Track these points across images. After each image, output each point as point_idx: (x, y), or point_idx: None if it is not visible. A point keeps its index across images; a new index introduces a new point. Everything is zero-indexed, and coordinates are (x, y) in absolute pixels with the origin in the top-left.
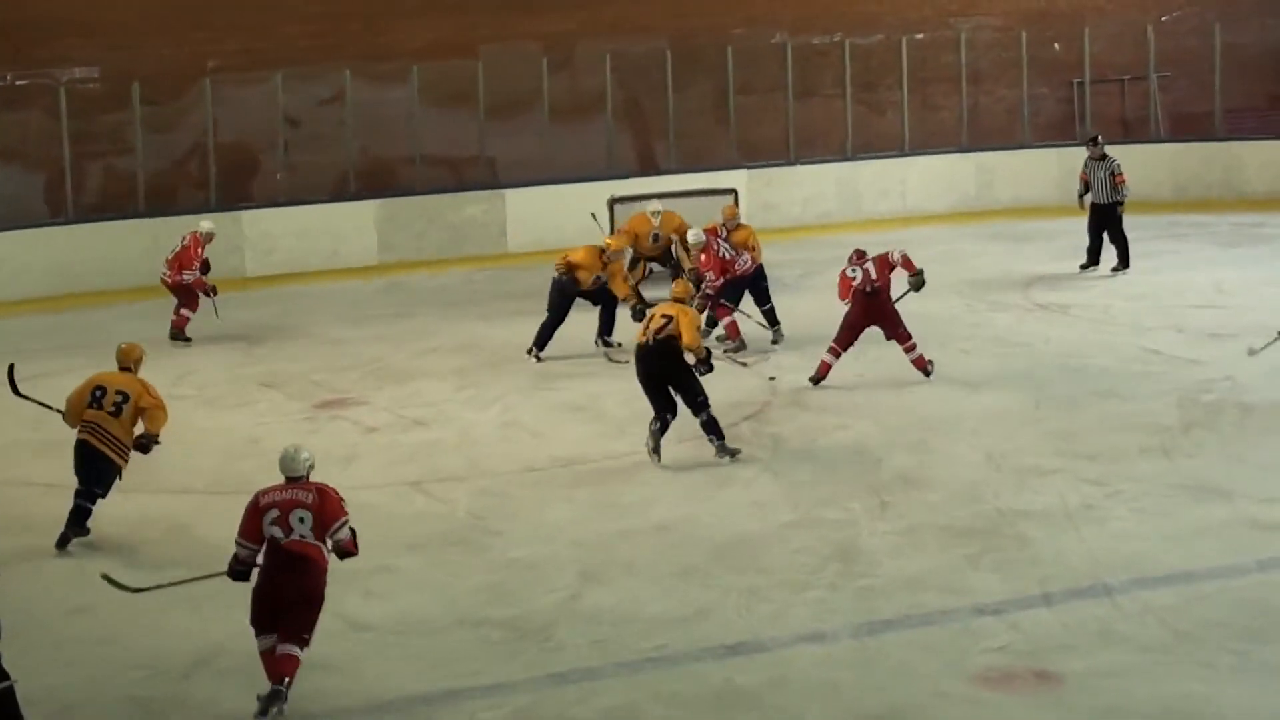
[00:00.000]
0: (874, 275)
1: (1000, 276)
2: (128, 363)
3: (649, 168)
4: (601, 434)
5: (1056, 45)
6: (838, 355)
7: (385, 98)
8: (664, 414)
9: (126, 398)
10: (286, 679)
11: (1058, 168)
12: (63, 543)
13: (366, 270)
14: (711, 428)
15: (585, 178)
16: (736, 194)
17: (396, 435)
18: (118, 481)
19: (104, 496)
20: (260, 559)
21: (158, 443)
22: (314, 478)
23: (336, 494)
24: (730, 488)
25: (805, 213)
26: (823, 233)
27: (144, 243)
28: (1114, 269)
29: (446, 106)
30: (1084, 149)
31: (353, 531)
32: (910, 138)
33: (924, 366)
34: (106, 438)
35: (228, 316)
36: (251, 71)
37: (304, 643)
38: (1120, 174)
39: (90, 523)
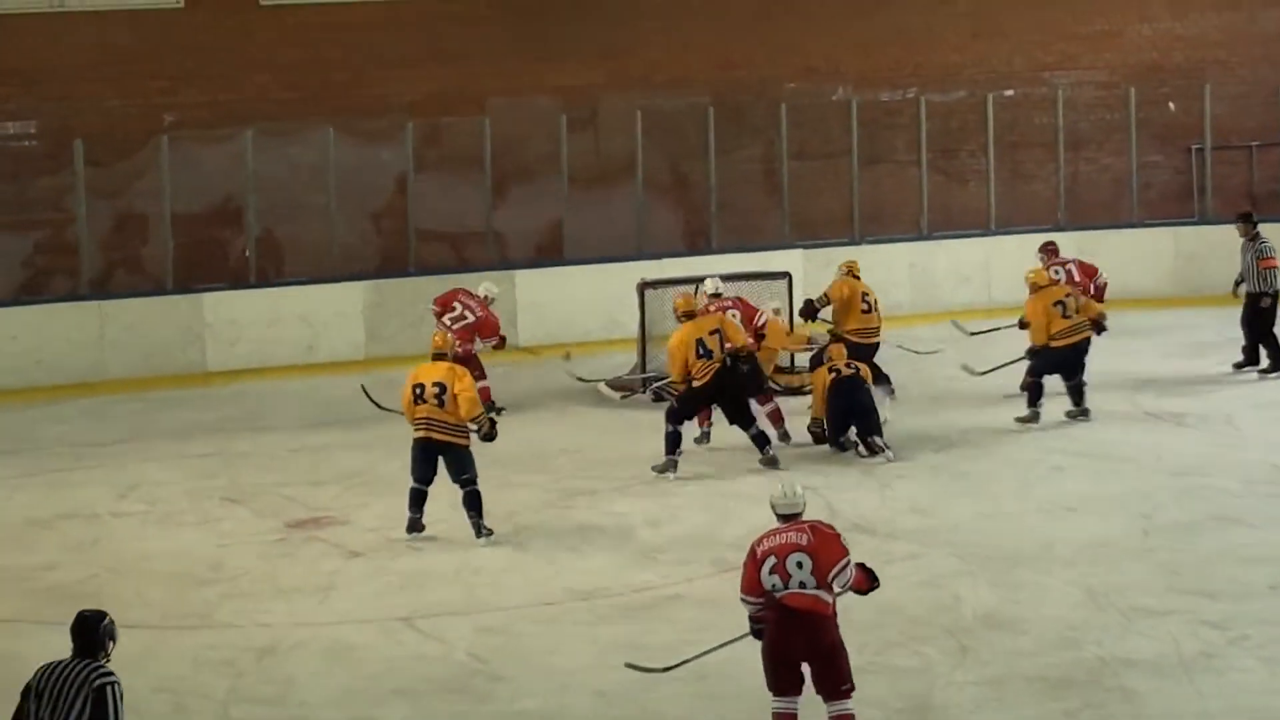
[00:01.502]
0: (1075, 278)
1: (1103, 379)
2: (443, 350)
3: (687, 246)
4: (627, 562)
5: (1171, 105)
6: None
7: (374, 160)
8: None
9: (444, 388)
10: None
11: (1172, 249)
12: (414, 528)
13: (350, 365)
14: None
15: (610, 257)
16: (790, 278)
17: (384, 561)
18: None
19: (474, 482)
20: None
21: (491, 426)
22: (287, 610)
23: (832, 530)
24: None
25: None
26: (890, 325)
27: (86, 329)
28: (1262, 371)
29: (447, 171)
30: (1200, 227)
31: (864, 570)
32: (997, 213)
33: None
34: (442, 427)
35: (182, 419)
36: (216, 128)
37: (848, 694)
38: (1270, 257)
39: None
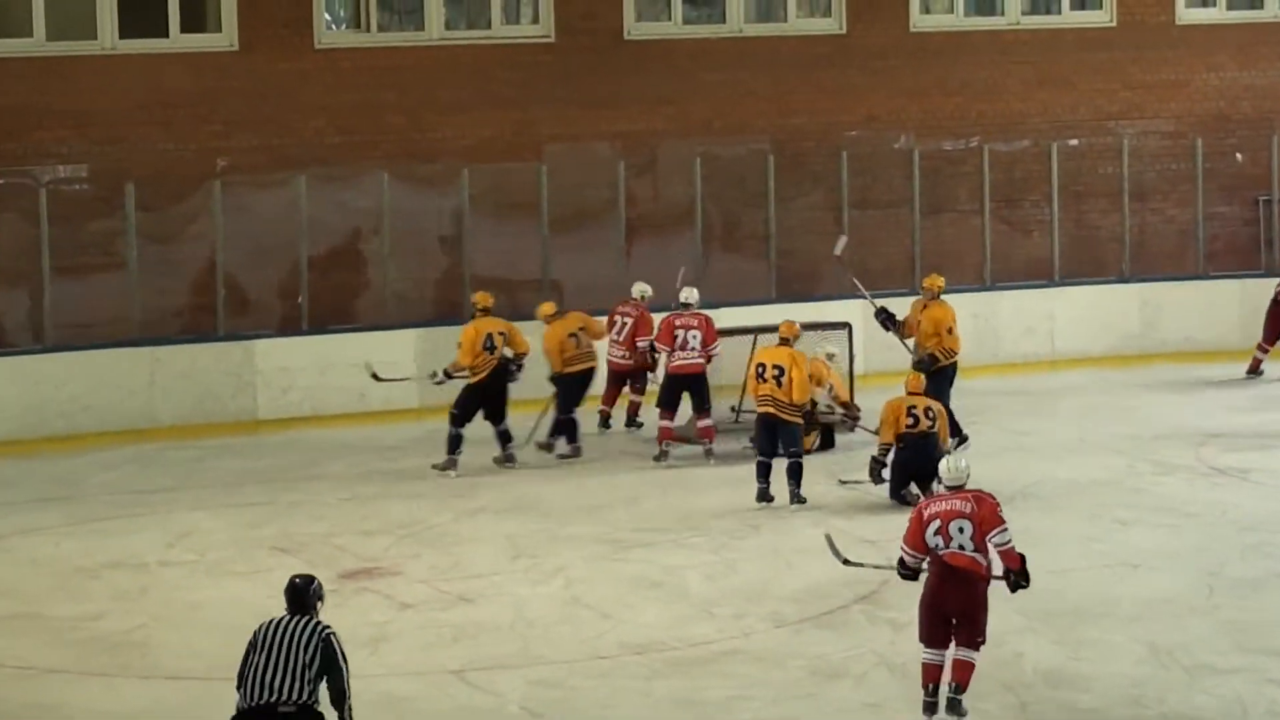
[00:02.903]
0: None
1: (1168, 433)
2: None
3: (745, 295)
4: (682, 615)
5: (1239, 155)
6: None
7: (429, 206)
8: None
9: (783, 370)
10: (959, 684)
11: (1239, 302)
12: (763, 498)
13: (403, 413)
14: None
15: (668, 305)
16: (850, 329)
17: (435, 612)
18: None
19: (801, 455)
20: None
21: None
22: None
23: (994, 501)
24: (839, 683)
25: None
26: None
27: (137, 375)
28: None
29: (502, 217)
30: (1269, 279)
31: (1022, 558)
32: (1061, 264)
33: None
34: (779, 405)
35: (232, 467)
36: (269, 172)
37: (978, 646)
38: None
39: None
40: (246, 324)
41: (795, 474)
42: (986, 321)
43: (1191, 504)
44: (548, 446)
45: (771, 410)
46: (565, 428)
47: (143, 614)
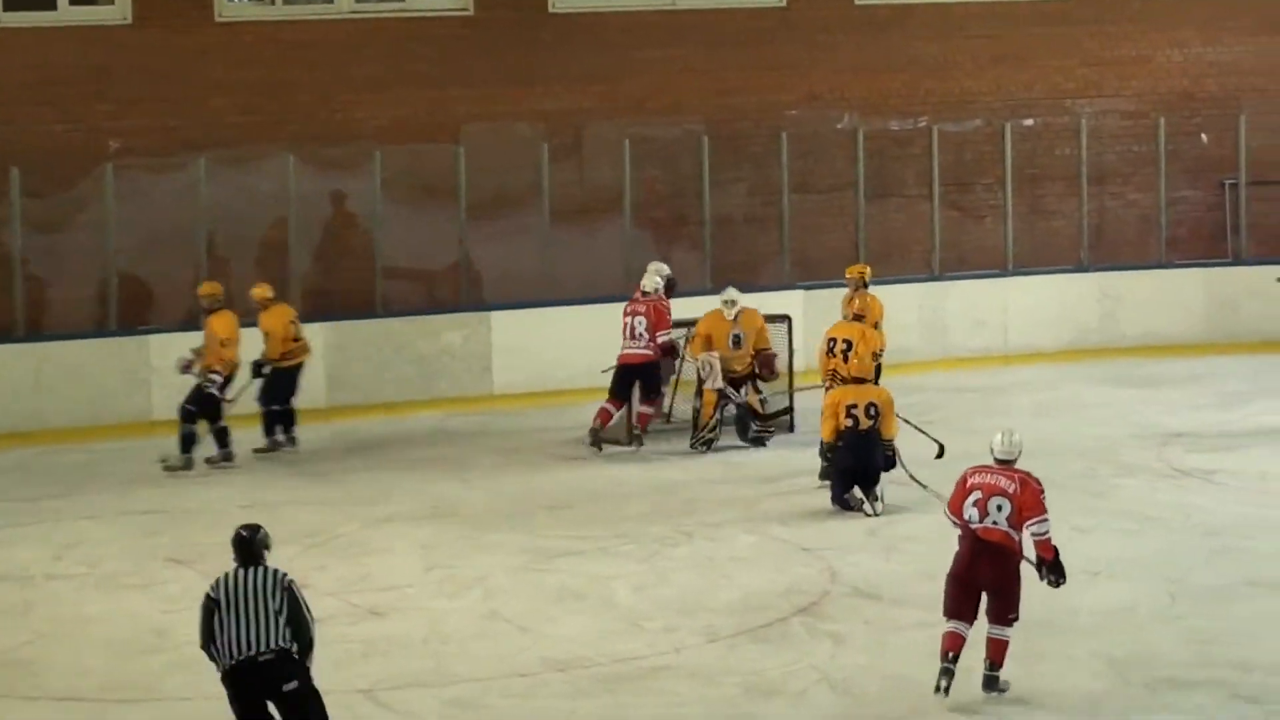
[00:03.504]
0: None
1: (1129, 432)
2: None
3: (679, 286)
4: (609, 629)
5: (1204, 136)
6: None
7: (339, 190)
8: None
9: (850, 344)
10: (994, 662)
11: (1204, 292)
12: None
13: (309, 414)
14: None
15: (594, 298)
16: (790, 322)
17: (344, 628)
18: None
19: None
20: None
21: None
22: None
23: (1039, 486)
24: (776, 701)
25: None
26: (899, 373)
27: (22, 374)
28: None
29: (418, 203)
30: (1234, 268)
31: (1055, 551)
32: (1015, 252)
33: None
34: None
35: (125, 471)
36: (166, 155)
37: (1011, 623)
38: None
39: None
40: (141, 318)
41: None
42: (935, 313)
43: (1153, 507)
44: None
45: (837, 386)
46: (283, 419)
47: (28, 631)
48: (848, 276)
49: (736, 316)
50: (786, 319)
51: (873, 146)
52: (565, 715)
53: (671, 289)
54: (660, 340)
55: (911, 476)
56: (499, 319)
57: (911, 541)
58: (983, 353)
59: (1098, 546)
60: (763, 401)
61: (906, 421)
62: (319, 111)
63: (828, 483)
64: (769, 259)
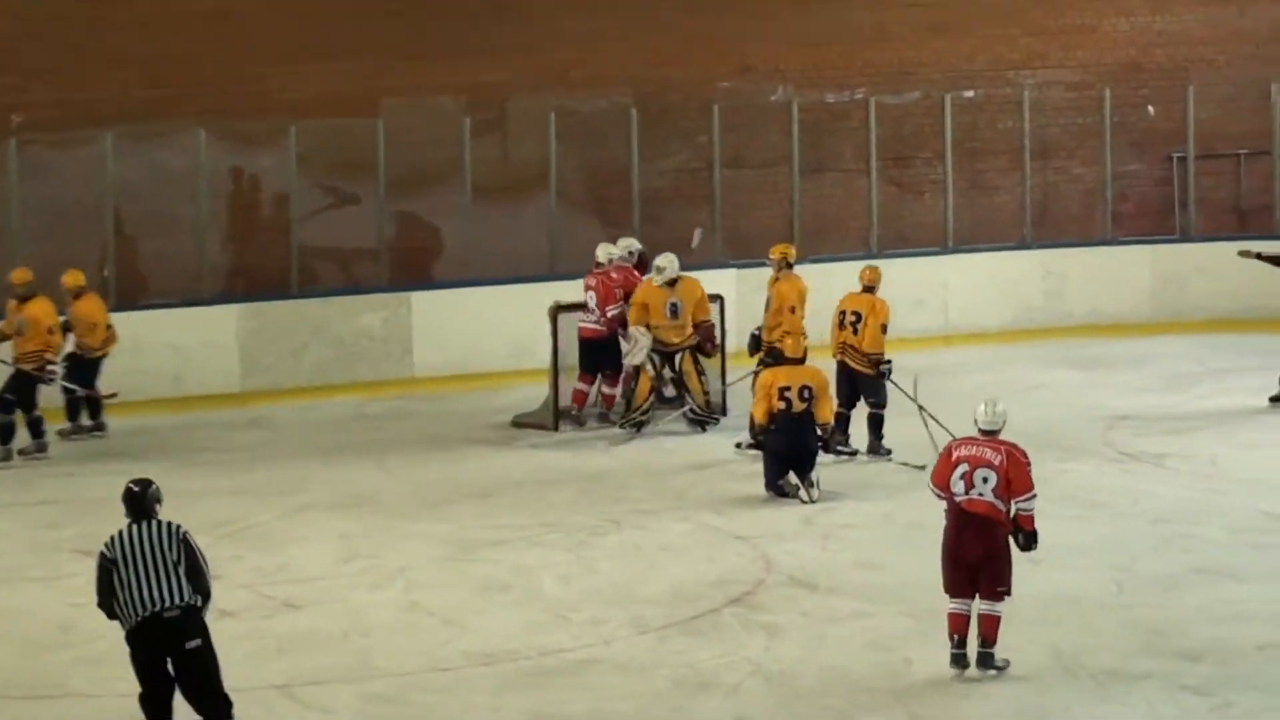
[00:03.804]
0: None
1: (1074, 415)
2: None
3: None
4: (535, 621)
5: (1151, 109)
6: None
7: (253, 166)
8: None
9: (860, 316)
10: (987, 639)
11: (1151, 270)
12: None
13: (223, 399)
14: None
15: (519, 277)
16: (723, 301)
17: (258, 621)
18: None
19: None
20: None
21: None
22: None
23: (1025, 460)
24: (708, 696)
25: (813, 328)
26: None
27: None
28: None
29: (336, 179)
30: (1182, 245)
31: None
32: (955, 229)
33: None
34: (855, 355)
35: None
36: (70, 130)
37: (1001, 597)
38: None
39: None
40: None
41: (875, 425)
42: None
43: (1099, 493)
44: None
45: (846, 359)
46: (92, 409)
47: None
48: (771, 258)
49: (674, 285)
50: (719, 299)
51: (808, 120)
52: (490, 711)
53: (643, 264)
54: (610, 314)
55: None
56: (420, 300)
57: (849, 529)
58: (922, 333)
59: (1042, 533)
60: (703, 377)
61: (921, 409)
62: (231, 84)
63: (746, 451)
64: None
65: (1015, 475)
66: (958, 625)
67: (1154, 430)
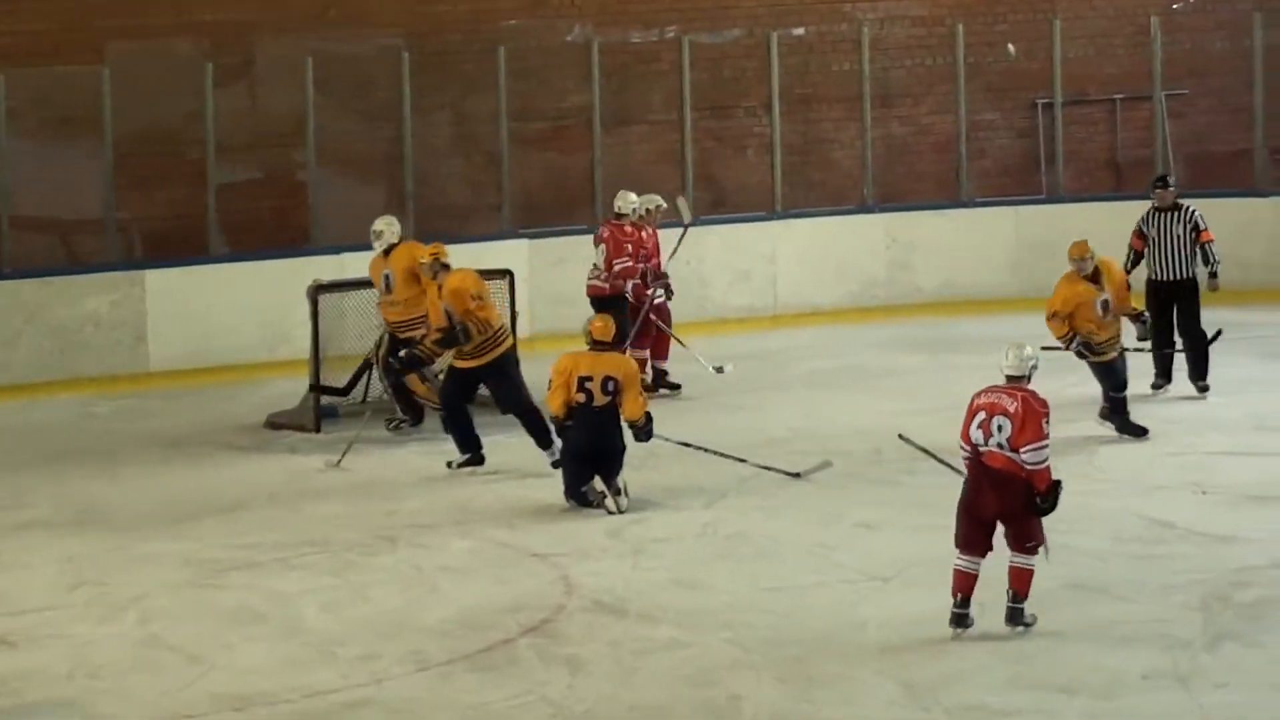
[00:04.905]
0: None
1: (923, 407)
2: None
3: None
4: (295, 658)
5: (1011, 47)
6: None
7: None
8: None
9: None
10: (1017, 593)
11: (1014, 236)
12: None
13: None
14: None
15: (272, 253)
16: (512, 277)
17: None
18: None
19: None
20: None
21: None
22: None
23: (1042, 409)
24: None
25: None
26: None
27: None
28: (1202, 389)
29: (52, 138)
30: (1049, 206)
31: (1055, 483)
32: (785, 190)
33: None
34: None
35: None
36: None
37: (1032, 551)
38: (1206, 229)
39: None
40: None
41: None
42: (689, 265)
43: (954, 499)
44: None
45: None
46: None
47: None
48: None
49: (389, 253)
50: (508, 274)
51: (611, 63)
52: None
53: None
54: (616, 268)
55: (925, 450)
56: (155, 279)
57: (662, 543)
58: (747, 312)
59: (888, 546)
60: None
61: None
62: None
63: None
64: (484, 202)
65: (1026, 423)
66: (964, 583)
67: None
